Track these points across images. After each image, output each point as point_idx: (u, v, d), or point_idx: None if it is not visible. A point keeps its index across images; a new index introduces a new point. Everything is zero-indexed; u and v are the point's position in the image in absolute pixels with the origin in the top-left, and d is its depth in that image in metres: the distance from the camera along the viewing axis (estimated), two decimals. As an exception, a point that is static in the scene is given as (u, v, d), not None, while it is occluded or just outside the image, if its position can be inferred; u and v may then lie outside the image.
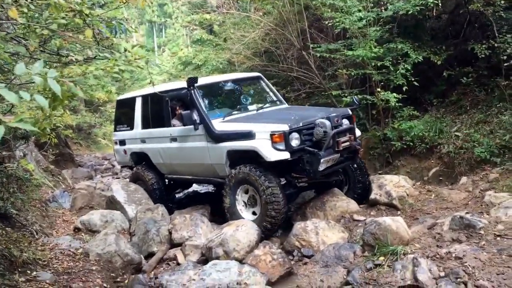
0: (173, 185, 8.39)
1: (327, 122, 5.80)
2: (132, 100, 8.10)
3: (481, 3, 7.40)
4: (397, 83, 7.81)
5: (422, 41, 8.57)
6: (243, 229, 5.30)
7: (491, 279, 3.73)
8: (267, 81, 7.79)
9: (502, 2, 7.22)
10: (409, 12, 7.70)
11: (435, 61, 8.03)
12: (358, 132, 6.60)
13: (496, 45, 7.39)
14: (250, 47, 11.52)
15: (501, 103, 7.28)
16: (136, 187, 8.26)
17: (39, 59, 2.58)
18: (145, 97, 7.80)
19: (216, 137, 6.24)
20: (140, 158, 8.11)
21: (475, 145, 6.81)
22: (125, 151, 8.44)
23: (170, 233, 6.09)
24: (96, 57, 3.71)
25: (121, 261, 5.17)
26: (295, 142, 5.72)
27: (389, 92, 7.84)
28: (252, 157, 5.87)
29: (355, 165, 6.65)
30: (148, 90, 7.85)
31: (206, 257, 5.33)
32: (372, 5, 8.48)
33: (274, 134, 5.64)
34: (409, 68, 7.76)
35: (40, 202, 7.30)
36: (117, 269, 5.09)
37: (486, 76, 7.87)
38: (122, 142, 8.47)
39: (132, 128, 8.09)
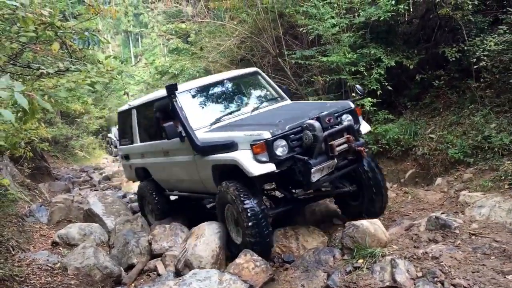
0: (182, 199, 7.62)
1: (316, 124, 4.88)
2: (129, 112, 7.47)
3: (450, 7, 7.59)
4: (372, 87, 7.94)
5: (395, 46, 8.73)
6: (202, 241, 5.17)
7: (467, 277, 3.80)
8: (265, 76, 6.92)
9: (470, 6, 7.42)
10: (381, 18, 7.86)
11: (408, 65, 8.19)
12: (366, 127, 5.75)
13: (465, 48, 7.58)
14: (226, 55, 11.59)
15: (472, 105, 7.46)
16: (114, 199, 8.20)
17: (10, 73, 2.56)
18: (138, 108, 7.19)
19: (200, 150, 5.43)
20: (145, 174, 7.48)
21: (448, 147, 6.95)
22: (130, 167, 7.89)
23: (150, 244, 6.05)
24: (69, 69, 3.68)
25: (100, 274, 5.11)
26: (281, 150, 4.84)
27: (364, 96, 7.95)
28: (240, 171, 5.00)
29: (366, 168, 5.63)
30: (140, 100, 7.41)
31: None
32: (344, 11, 8.63)
33: (255, 145, 4.79)
34: (382, 72, 7.91)
35: (16, 217, 7.17)
36: (96, 283, 5.03)
37: (457, 79, 8.06)
38: (127, 157, 7.90)
39: (132, 142, 7.51)
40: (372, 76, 7.93)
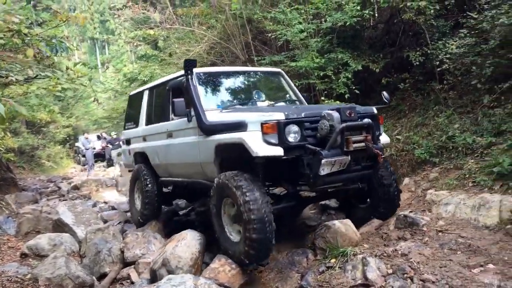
0: (174, 193, 7.48)
1: (335, 114, 4.56)
2: (141, 94, 7.45)
3: (413, 12, 7.83)
4: (340, 91, 8.10)
5: (361, 50, 8.93)
6: (183, 243, 5.17)
7: (435, 272, 3.93)
8: (288, 79, 6.76)
9: (432, 11, 7.67)
10: (347, 24, 8.04)
11: (374, 69, 8.39)
12: (386, 139, 5.44)
13: (429, 51, 7.84)
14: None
15: (436, 106, 7.71)
16: (84, 208, 8.07)
17: (-23, 81, 2.53)
18: (151, 89, 7.14)
19: (206, 129, 5.17)
20: (142, 160, 7.28)
21: (415, 147, 7.15)
22: (129, 152, 7.75)
23: (123, 252, 5.98)
24: (37, 77, 3.65)
25: (72, 284, 5.02)
26: (292, 136, 4.50)
27: (333, 100, 8.12)
28: (247, 156, 4.64)
29: (381, 171, 5.39)
30: (156, 81, 7.33)
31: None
32: (311, 17, 8.78)
33: (266, 124, 4.47)
34: (349, 76, 8.08)
35: (-18, 230, 6.97)
36: (68, 293, 4.94)
37: (421, 81, 8.31)
38: (128, 142, 7.83)
39: (137, 126, 7.43)
40: (339, 80, 8.09)
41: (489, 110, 6.78)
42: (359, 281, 4.16)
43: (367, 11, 7.80)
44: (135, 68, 18.05)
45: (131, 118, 7.84)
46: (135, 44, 16.15)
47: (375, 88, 9.03)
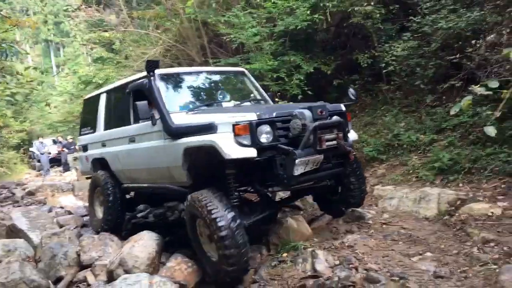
0: (137, 199, 7.25)
1: (307, 113, 4.49)
2: (97, 98, 7.07)
3: (361, 16, 8.19)
4: (293, 92, 8.36)
5: (313, 53, 9.24)
6: (140, 243, 5.20)
7: (378, 261, 4.19)
8: (252, 78, 6.63)
9: (378, 15, 8.06)
10: (298, 27, 8.31)
11: (326, 71, 8.72)
12: (354, 135, 5.41)
13: (376, 54, 8.22)
14: (151, 64, 11.59)
15: (384, 106, 8.10)
16: (39, 213, 7.95)
17: None
18: (109, 92, 6.80)
19: (173, 132, 4.98)
20: (102, 166, 6.92)
21: (364, 145, 7.49)
22: (87, 158, 7.33)
23: (79, 255, 5.96)
24: (-13, 82, 3.66)
25: (27, 288, 5.01)
26: (265, 137, 4.37)
27: (286, 101, 8.35)
28: (219, 161, 4.47)
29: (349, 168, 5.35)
30: (113, 84, 7.02)
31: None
32: (264, 21, 9.01)
33: (238, 125, 4.35)
34: (302, 78, 8.36)
35: None
36: (23, 297, 4.93)
37: (370, 82, 8.71)
38: (85, 148, 7.43)
39: (94, 131, 7.07)
40: (293, 82, 8.35)
41: (432, 109, 7.21)
42: (309, 273, 4.37)
43: (317, 15, 8.10)
44: (90, 70, 17.78)
45: (88, 123, 7.47)
46: (90, 46, 15.93)
47: (327, 89, 9.36)
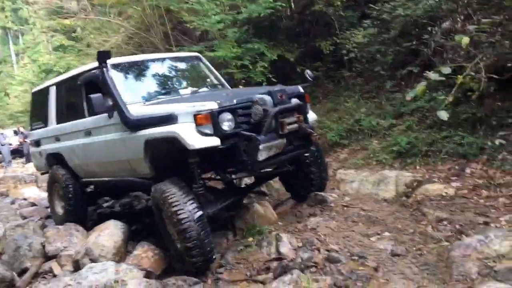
0: (98, 192, 7.07)
1: (268, 98, 4.51)
2: (46, 91, 6.77)
3: (322, 4, 8.31)
4: (257, 80, 8.44)
5: (277, 40, 9.32)
6: (106, 232, 5.23)
7: (339, 242, 4.37)
8: (207, 62, 6.52)
9: (339, 3, 8.20)
10: (261, 15, 8.37)
11: (289, 58, 8.82)
12: (313, 116, 5.40)
13: (338, 41, 8.37)
14: (114, 51, 11.42)
15: (346, 92, 8.30)
16: (1, 205, 7.84)
17: None
18: (59, 85, 6.52)
19: (132, 125, 4.84)
20: (58, 161, 6.69)
21: (327, 131, 7.67)
22: (40, 154, 7.10)
23: (44, 246, 5.92)
24: None
25: (-10, 281, 4.97)
26: (227, 124, 4.38)
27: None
28: (181, 150, 4.45)
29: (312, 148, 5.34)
30: (63, 76, 6.74)
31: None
32: (228, 8, 9.02)
33: (199, 114, 4.31)
34: (266, 65, 8.45)
35: None
36: (-13, 290, 4.89)
37: (333, 69, 8.89)
38: (37, 143, 7.16)
39: (46, 125, 6.80)
40: (257, 69, 8.42)
41: (391, 95, 7.44)
42: (273, 255, 4.50)
43: (279, 3, 8.16)
44: (51, 59, 17.34)
45: (38, 117, 7.19)
46: (50, 34, 15.52)
47: (291, 76, 9.47)
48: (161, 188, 4.53)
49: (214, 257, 4.54)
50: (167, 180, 4.62)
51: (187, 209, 4.28)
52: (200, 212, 4.33)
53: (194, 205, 4.36)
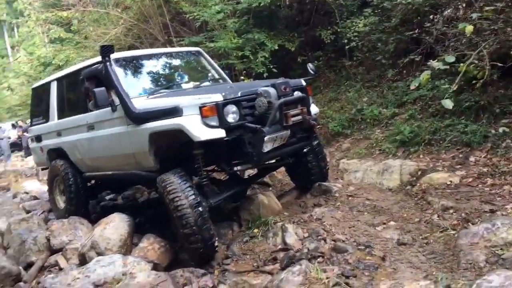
0: (100, 186, 7.08)
1: (272, 90, 4.59)
2: (47, 86, 6.84)
3: (322, -9, 8.27)
4: (258, 70, 8.40)
5: (277, 30, 9.28)
6: (111, 225, 5.24)
7: (345, 232, 4.38)
8: (208, 57, 6.59)
9: (339, -9, 8.16)
10: (261, 4, 8.32)
11: (290, 48, 8.78)
12: (315, 109, 5.49)
13: (339, 30, 8.33)
14: (113, 43, 11.34)
15: (348, 81, 8.28)
16: (3, 200, 7.83)
17: None
18: (60, 80, 6.59)
19: (136, 118, 4.91)
20: (59, 157, 6.71)
21: (329, 121, 7.66)
22: (41, 149, 7.12)
23: (49, 240, 5.93)
24: None
25: (-3, 275, 4.98)
26: (232, 116, 4.45)
27: (252, 79, 8.40)
28: (185, 143, 4.57)
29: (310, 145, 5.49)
30: (64, 71, 6.82)
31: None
32: (227, -2, 8.97)
33: (204, 107, 4.38)
34: (267, 55, 8.41)
35: None
36: (-6, 284, 4.90)
37: (334, 58, 8.86)
38: (38, 139, 7.16)
39: (47, 120, 6.85)
40: (257, 60, 8.38)
41: (393, 84, 7.43)
42: (279, 246, 4.52)
43: (279, -9, 8.12)
44: (48, 52, 17.21)
45: (39, 112, 7.23)
46: (47, 26, 15.39)
47: (292, 66, 9.45)
48: (162, 178, 4.62)
49: (215, 245, 4.55)
50: (170, 171, 4.67)
51: (184, 196, 4.37)
52: (198, 199, 4.41)
53: (192, 192, 4.43)
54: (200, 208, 4.37)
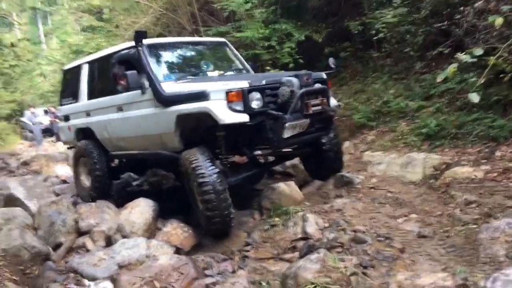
0: (123, 167, 7.40)
1: (295, 80, 4.83)
2: (78, 68, 7.16)
3: (351, -17, 8.19)
4: (284, 61, 8.41)
5: (305, 20, 9.25)
6: (137, 210, 5.41)
7: (365, 223, 4.39)
8: (233, 48, 6.85)
9: (370, -19, 8.06)
10: (290, -6, 8.31)
11: (317, 38, 8.75)
12: (334, 102, 5.66)
13: (367, 21, 8.25)
14: (143, 32, 11.52)
15: (375, 73, 8.20)
16: (35, 183, 8.09)
17: None
18: (91, 63, 6.92)
19: (165, 100, 5.20)
20: (86, 136, 7.02)
21: (354, 113, 7.63)
22: (69, 128, 7.41)
23: (77, 222, 6.12)
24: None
25: (28, 254, 5.18)
26: (256, 103, 4.69)
27: (278, 69, 8.42)
28: (210, 126, 4.84)
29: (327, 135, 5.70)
30: (96, 55, 7.12)
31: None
32: (256, -13, 8.97)
33: (231, 92, 4.63)
34: (293, 46, 8.41)
35: None
36: (25, 262, 5.09)
37: (361, 50, 8.78)
38: (67, 118, 7.48)
39: (77, 101, 7.13)
40: (284, 50, 8.39)
41: (421, 76, 7.33)
42: (300, 235, 4.57)
43: (308, -19, 8.08)
44: (80, 40, 17.57)
45: (69, 93, 7.49)
46: (79, 15, 15.71)
47: (318, 57, 9.40)
48: (187, 152, 4.94)
49: (231, 216, 4.81)
50: (195, 148, 4.95)
51: (205, 166, 4.68)
52: (220, 177, 4.70)
53: (215, 170, 4.72)
54: (219, 178, 4.66)
